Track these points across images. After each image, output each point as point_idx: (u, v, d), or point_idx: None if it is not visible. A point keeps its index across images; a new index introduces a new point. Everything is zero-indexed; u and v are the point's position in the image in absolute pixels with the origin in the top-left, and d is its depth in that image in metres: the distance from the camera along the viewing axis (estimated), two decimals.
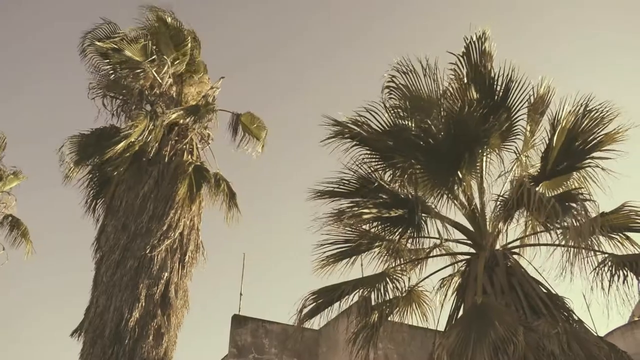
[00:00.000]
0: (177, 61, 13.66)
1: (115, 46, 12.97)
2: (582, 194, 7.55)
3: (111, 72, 13.37)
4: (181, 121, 12.97)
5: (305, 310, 8.11)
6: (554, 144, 8.14)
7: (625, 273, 7.13)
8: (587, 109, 8.03)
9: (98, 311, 11.01)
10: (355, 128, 8.60)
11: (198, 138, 13.85)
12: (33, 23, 33.28)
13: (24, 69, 34.46)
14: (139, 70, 13.03)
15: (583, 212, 6.79)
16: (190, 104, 13.90)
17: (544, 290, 7.57)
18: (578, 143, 8.14)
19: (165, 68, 13.21)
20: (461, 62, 8.28)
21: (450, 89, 8.35)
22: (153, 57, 13.23)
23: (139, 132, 12.27)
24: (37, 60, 33.45)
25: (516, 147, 8.60)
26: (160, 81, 13.24)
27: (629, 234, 7.57)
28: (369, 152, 8.71)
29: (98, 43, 13.05)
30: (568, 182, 8.43)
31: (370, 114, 8.47)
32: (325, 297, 8.24)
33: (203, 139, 14.00)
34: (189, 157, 13.24)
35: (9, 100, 32.93)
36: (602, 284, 7.11)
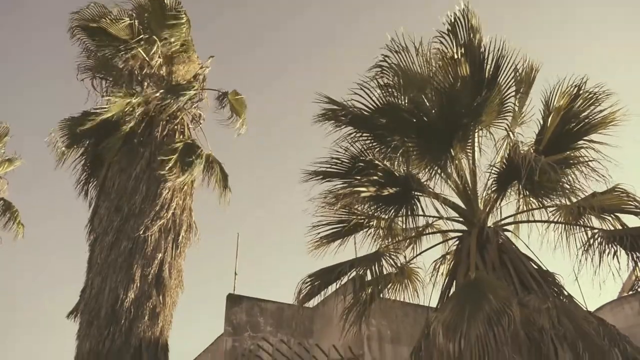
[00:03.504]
0: (167, 40, 13.48)
1: (103, 26, 12.78)
2: (580, 157, 7.62)
3: (100, 52, 13.21)
4: (161, 102, 12.74)
5: (303, 293, 8.19)
6: (547, 125, 8.17)
7: (615, 248, 7.21)
8: (581, 90, 8.06)
9: (93, 292, 11.03)
10: (348, 106, 8.58)
11: (189, 118, 13.76)
12: (35, 10, 32.73)
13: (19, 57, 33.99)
14: (128, 50, 12.88)
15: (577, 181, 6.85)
16: (180, 83, 13.75)
17: (535, 267, 7.65)
18: (572, 125, 8.18)
19: (155, 47, 13.04)
20: (448, 39, 8.26)
21: (441, 65, 8.32)
22: (142, 36, 13.06)
23: (118, 108, 12.12)
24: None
25: (507, 124, 8.62)
26: (149, 61, 13.09)
27: (620, 215, 7.64)
28: (361, 130, 8.70)
29: (86, 23, 12.84)
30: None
31: (364, 90, 8.45)
32: (323, 278, 8.31)
33: (194, 119, 13.91)
34: (181, 137, 13.17)
35: (8, 87, 32.59)
36: (592, 259, 7.19)
